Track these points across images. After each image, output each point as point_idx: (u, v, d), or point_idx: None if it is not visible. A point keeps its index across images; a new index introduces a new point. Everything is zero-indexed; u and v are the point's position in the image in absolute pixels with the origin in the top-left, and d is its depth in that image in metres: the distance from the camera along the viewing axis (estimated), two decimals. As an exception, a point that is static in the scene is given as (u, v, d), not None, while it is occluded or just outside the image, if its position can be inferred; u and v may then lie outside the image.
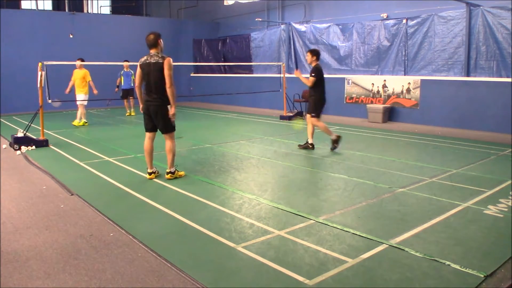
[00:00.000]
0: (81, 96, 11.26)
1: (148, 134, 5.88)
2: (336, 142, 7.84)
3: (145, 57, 5.65)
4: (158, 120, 5.67)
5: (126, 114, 14.08)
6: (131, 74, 13.58)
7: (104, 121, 12.84)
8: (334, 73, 14.30)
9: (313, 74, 7.73)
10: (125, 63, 13.55)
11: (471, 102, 10.67)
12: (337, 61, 14.29)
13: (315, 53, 8.01)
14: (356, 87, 13.36)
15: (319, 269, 3.19)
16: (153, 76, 5.55)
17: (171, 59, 5.56)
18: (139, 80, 5.74)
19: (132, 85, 13.65)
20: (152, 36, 5.59)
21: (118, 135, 10.21)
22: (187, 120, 13.00)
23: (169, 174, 5.85)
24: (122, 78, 13.69)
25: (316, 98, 7.84)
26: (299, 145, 8.18)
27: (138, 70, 5.68)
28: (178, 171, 5.99)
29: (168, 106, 5.61)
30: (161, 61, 5.51)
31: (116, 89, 13.91)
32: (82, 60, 11.03)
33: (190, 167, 6.62)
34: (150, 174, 5.90)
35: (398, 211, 4.52)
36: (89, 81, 11.24)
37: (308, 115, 8.06)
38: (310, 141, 8.03)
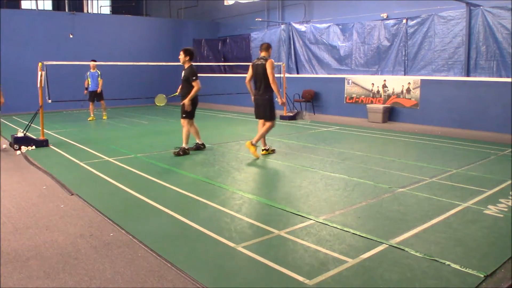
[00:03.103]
0: None
1: (259, 121, 7.40)
2: (183, 150, 7.40)
3: (255, 59, 7.24)
4: (262, 110, 7.21)
5: (89, 119, 12.86)
6: (98, 75, 12.61)
7: (103, 121, 12.83)
8: (334, 73, 14.31)
9: (193, 78, 7.24)
10: (91, 63, 12.54)
11: (471, 102, 10.66)
12: (337, 61, 14.30)
13: (189, 53, 7.39)
14: (356, 87, 13.35)
15: (319, 269, 3.18)
16: (258, 75, 7.10)
17: (273, 61, 7.07)
18: (248, 77, 7.29)
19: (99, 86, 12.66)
20: (265, 44, 7.30)
21: (118, 135, 10.21)
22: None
23: (249, 142, 7.20)
24: (89, 79, 12.68)
25: (192, 101, 7.38)
26: (191, 147, 7.71)
27: (249, 69, 7.28)
28: (256, 146, 7.22)
29: (276, 99, 7.21)
30: (264, 62, 7.00)
31: (85, 91, 12.98)
32: None
33: (190, 167, 6.63)
34: (262, 150, 7.42)
35: (398, 211, 4.52)
36: None
37: (181, 119, 7.59)
38: (199, 141, 7.86)
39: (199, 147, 7.86)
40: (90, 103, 12.99)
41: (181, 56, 7.41)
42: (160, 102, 8.07)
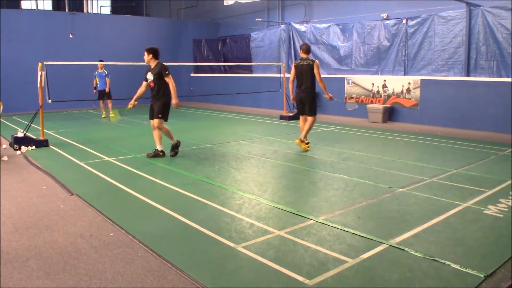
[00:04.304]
0: None
1: (301, 117, 7.95)
2: (176, 147, 7.31)
3: (298, 60, 7.77)
4: (306, 105, 7.71)
5: (102, 116, 13.42)
6: (105, 74, 12.86)
7: (103, 121, 12.82)
8: (334, 73, 14.31)
9: (166, 72, 6.89)
10: (99, 63, 12.80)
11: (471, 102, 10.66)
12: (337, 61, 14.29)
13: (152, 51, 7.01)
14: (356, 87, 13.35)
15: (319, 269, 3.18)
16: (304, 74, 7.60)
17: (318, 61, 7.73)
18: (292, 77, 7.88)
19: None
20: (307, 46, 7.81)
21: (118, 135, 10.21)
22: (187, 120, 13.00)
23: (298, 140, 7.87)
24: (97, 79, 12.92)
25: (166, 101, 7.02)
26: (147, 154, 7.28)
27: (293, 69, 7.83)
28: (305, 142, 7.78)
29: (325, 96, 7.85)
30: (311, 63, 7.57)
31: (94, 90, 13.15)
32: None
33: (190, 167, 6.62)
34: (301, 141, 7.80)
35: (398, 211, 4.52)
36: None
37: (155, 119, 7.06)
38: (159, 148, 7.19)
39: (158, 154, 7.18)
40: (101, 101, 13.38)
41: (145, 56, 7.04)
42: (115, 119, 7.93)
